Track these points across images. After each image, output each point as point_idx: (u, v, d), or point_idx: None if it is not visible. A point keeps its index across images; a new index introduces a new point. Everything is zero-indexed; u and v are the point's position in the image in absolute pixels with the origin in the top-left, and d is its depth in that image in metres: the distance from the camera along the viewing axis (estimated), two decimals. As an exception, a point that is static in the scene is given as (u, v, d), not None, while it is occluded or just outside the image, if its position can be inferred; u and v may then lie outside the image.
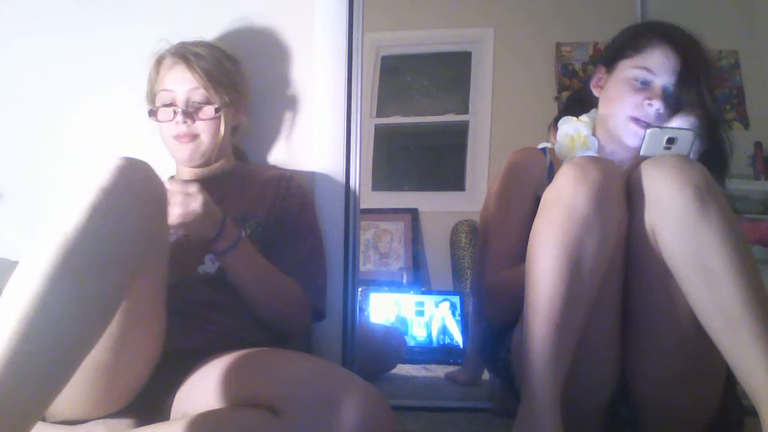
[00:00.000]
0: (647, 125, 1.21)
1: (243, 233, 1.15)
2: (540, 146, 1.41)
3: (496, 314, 1.31)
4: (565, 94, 2.31)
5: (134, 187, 0.82)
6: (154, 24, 1.52)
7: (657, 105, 1.20)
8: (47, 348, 0.70)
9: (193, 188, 1.06)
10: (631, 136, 1.23)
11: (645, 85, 1.23)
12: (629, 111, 1.23)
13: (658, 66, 1.23)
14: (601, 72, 1.33)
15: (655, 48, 1.24)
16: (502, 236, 1.30)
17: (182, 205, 1.04)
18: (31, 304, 0.70)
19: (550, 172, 1.31)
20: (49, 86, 1.55)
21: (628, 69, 1.26)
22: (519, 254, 1.17)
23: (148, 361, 0.99)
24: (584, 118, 1.32)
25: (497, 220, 1.34)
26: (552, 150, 1.36)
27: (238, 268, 1.15)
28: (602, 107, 1.30)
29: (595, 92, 1.33)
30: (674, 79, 1.22)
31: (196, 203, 1.05)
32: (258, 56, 1.52)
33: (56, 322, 0.71)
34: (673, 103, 1.23)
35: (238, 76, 1.35)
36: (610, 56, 1.32)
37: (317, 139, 1.50)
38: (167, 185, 1.00)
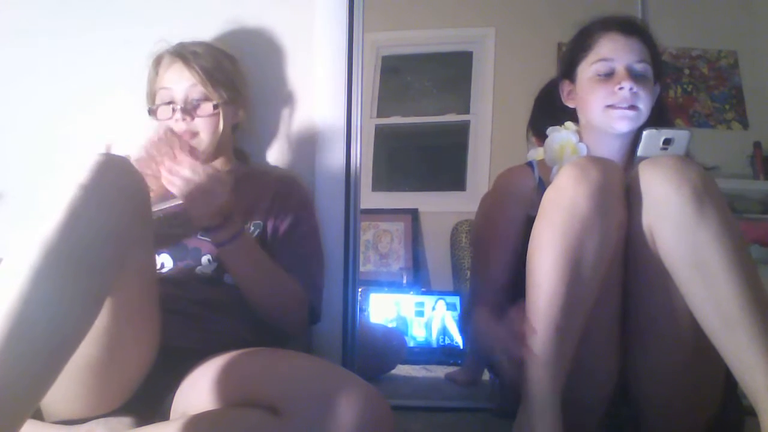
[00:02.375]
0: (629, 107, 1.20)
1: (245, 227, 1.15)
2: (528, 159, 1.41)
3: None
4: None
5: (113, 183, 0.82)
6: (155, 24, 1.52)
7: (627, 85, 1.19)
8: (33, 346, 0.70)
9: (224, 177, 1.09)
10: (617, 120, 1.21)
11: (609, 75, 1.23)
12: (605, 101, 1.22)
13: (611, 51, 1.23)
14: (566, 86, 1.32)
15: (601, 38, 1.25)
16: (492, 263, 1.30)
17: (208, 190, 1.06)
18: (14, 303, 0.70)
19: (540, 188, 1.31)
20: (50, 86, 1.55)
21: (587, 69, 1.25)
22: (509, 279, 1.21)
23: (143, 359, 0.98)
24: (570, 125, 1.31)
25: (487, 246, 1.33)
26: (540, 163, 1.35)
27: (237, 262, 1.15)
28: (582, 115, 1.30)
29: (570, 104, 1.32)
30: (632, 55, 1.22)
31: (223, 193, 1.07)
32: (258, 56, 1.52)
33: (40, 321, 0.71)
34: (645, 80, 1.22)
35: (236, 74, 1.35)
36: (567, 67, 1.31)
37: (317, 139, 1.50)
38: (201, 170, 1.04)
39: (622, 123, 1.21)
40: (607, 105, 1.21)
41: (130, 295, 0.89)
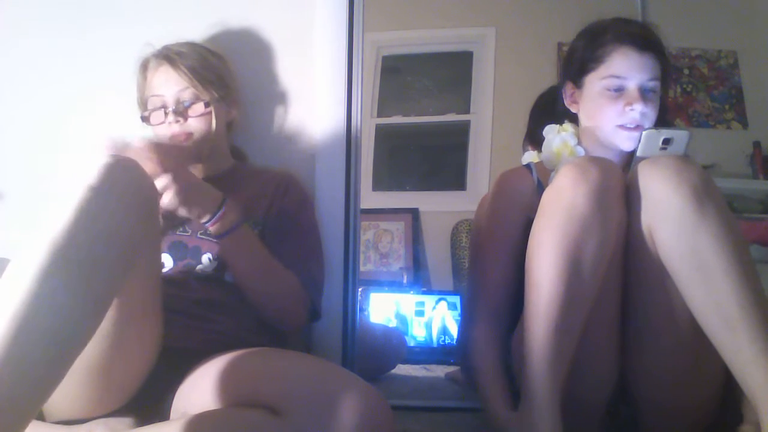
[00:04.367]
0: (636, 127, 1.20)
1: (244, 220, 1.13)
2: (525, 161, 1.40)
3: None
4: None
5: (123, 186, 0.82)
6: (156, 24, 1.53)
7: (638, 107, 1.18)
8: (39, 347, 0.70)
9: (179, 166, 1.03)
10: (624, 141, 1.21)
11: (620, 91, 1.20)
12: (614, 121, 1.21)
13: (623, 69, 1.20)
14: (570, 88, 1.30)
15: (614, 51, 1.21)
16: (490, 265, 1.30)
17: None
18: (22, 304, 0.70)
19: (539, 190, 1.31)
20: (50, 86, 1.56)
21: (597, 82, 1.23)
22: (509, 287, 1.22)
23: (144, 360, 0.99)
24: (568, 127, 1.31)
25: (486, 248, 1.34)
26: (538, 165, 1.34)
27: (238, 255, 1.15)
28: (585, 121, 1.28)
29: (572, 108, 1.31)
30: (645, 74, 1.20)
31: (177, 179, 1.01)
32: (258, 56, 1.52)
33: (47, 321, 0.71)
34: (654, 96, 1.22)
35: (225, 71, 1.35)
36: (575, 72, 1.29)
37: (318, 139, 1.50)
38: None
39: (629, 143, 1.21)
40: (617, 125, 1.21)
41: (135, 296, 0.89)
